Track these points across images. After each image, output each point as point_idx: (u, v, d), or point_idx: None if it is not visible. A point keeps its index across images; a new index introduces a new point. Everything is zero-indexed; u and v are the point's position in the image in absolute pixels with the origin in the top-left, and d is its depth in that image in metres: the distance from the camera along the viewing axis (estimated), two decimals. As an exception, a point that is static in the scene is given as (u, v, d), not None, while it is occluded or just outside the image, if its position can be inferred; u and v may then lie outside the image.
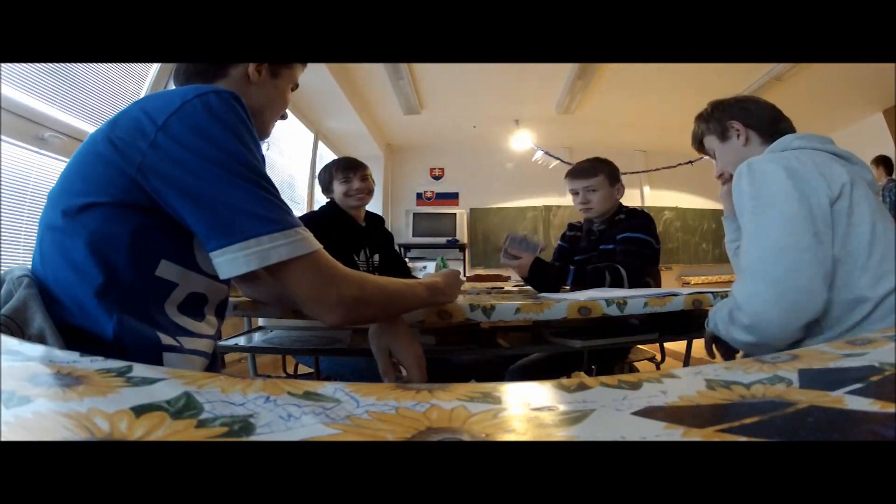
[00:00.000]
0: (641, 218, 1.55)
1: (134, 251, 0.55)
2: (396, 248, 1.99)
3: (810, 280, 0.72)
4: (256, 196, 0.54)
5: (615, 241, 1.52)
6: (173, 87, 0.64)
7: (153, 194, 0.54)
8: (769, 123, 0.96)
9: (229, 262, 0.52)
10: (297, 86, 0.82)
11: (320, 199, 4.70)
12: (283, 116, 0.83)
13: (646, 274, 1.48)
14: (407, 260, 4.15)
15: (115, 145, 0.54)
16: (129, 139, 0.54)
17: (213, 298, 0.67)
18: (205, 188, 0.52)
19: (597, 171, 1.60)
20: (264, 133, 0.78)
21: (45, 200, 0.60)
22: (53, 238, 0.57)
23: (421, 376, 0.68)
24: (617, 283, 1.37)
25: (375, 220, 1.86)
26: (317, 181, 1.76)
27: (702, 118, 1.04)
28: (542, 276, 1.40)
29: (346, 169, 1.68)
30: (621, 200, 1.65)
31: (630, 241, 1.49)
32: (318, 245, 0.57)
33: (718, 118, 1.01)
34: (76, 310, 0.54)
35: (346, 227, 1.69)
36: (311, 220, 1.67)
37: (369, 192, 1.73)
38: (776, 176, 0.78)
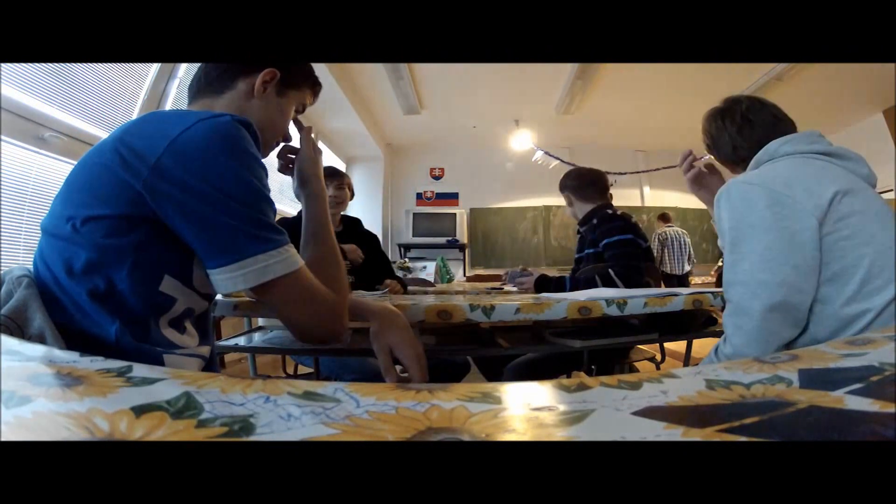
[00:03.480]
0: (616, 220, 1.58)
1: (138, 264, 0.56)
2: (382, 247, 2.01)
3: (789, 312, 0.72)
4: (251, 217, 0.57)
5: (598, 247, 1.57)
6: (183, 107, 0.65)
7: (157, 210, 0.55)
8: (756, 146, 0.89)
9: (228, 280, 0.56)
10: (304, 108, 0.82)
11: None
12: (286, 139, 0.81)
13: (645, 274, 1.48)
14: (407, 260, 4.14)
15: (122, 157, 0.55)
16: (138, 153, 0.54)
17: (198, 311, 0.67)
18: (204, 210, 0.54)
19: (562, 188, 1.74)
20: (262, 154, 0.77)
21: (49, 203, 0.60)
22: (55, 245, 0.57)
23: (422, 376, 0.68)
24: (610, 287, 1.39)
25: (351, 224, 1.86)
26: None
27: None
28: (546, 289, 1.53)
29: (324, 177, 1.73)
30: (616, 202, 1.72)
31: (613, 244, 1.52)
32: (301, 262, 0.62)
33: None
34: (76, 312, 0.54)
35: None
36: (284, 225, 1.68)
37: (341, 202, 1.74)
38: (756, 204, 0.76)
